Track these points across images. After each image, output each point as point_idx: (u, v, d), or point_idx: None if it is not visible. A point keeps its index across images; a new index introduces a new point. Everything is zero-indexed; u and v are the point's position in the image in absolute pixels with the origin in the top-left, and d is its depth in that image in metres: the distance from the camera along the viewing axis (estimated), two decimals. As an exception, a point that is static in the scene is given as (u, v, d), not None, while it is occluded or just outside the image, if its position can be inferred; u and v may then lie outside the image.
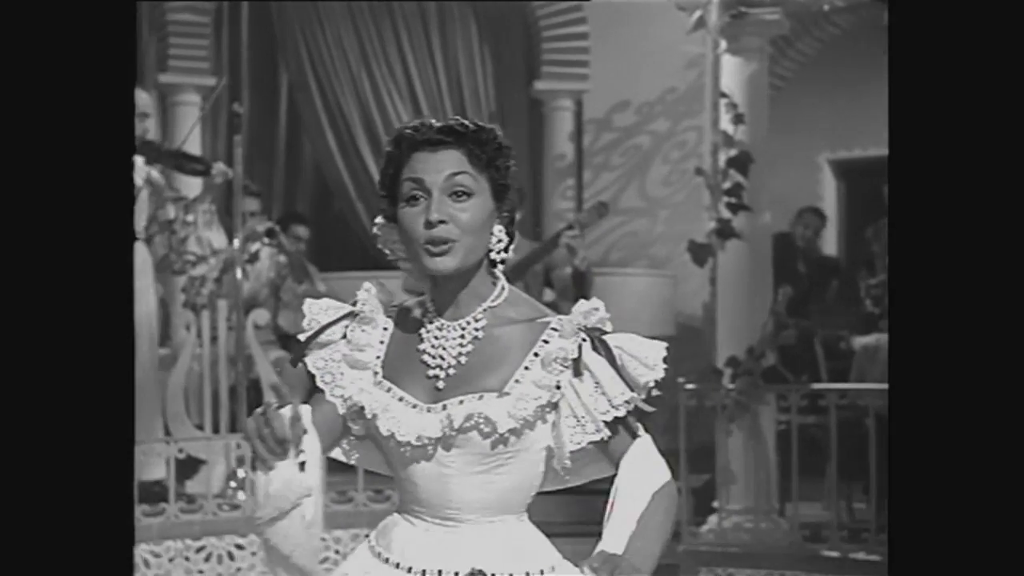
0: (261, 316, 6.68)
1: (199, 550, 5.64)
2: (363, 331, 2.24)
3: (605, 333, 2.19)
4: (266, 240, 7.07)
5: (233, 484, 5.94)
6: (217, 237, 7.31)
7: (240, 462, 5.92)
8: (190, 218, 6.04)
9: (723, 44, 6.45)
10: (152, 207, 5.96)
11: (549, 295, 6.47)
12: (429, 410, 2.17)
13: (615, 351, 2.18)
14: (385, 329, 2.25)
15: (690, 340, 7.56)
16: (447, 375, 2.19)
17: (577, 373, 2.16)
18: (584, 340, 2.18)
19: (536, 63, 8.70)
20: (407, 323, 2.25)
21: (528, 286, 6.12)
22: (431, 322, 2.22)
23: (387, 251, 2.28)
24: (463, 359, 2.19)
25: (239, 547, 5.72)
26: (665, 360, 2.17)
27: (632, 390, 2.16)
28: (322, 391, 2.23)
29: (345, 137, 8.56)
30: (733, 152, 6.37)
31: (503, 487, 2.18)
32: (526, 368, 2.17)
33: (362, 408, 2.20)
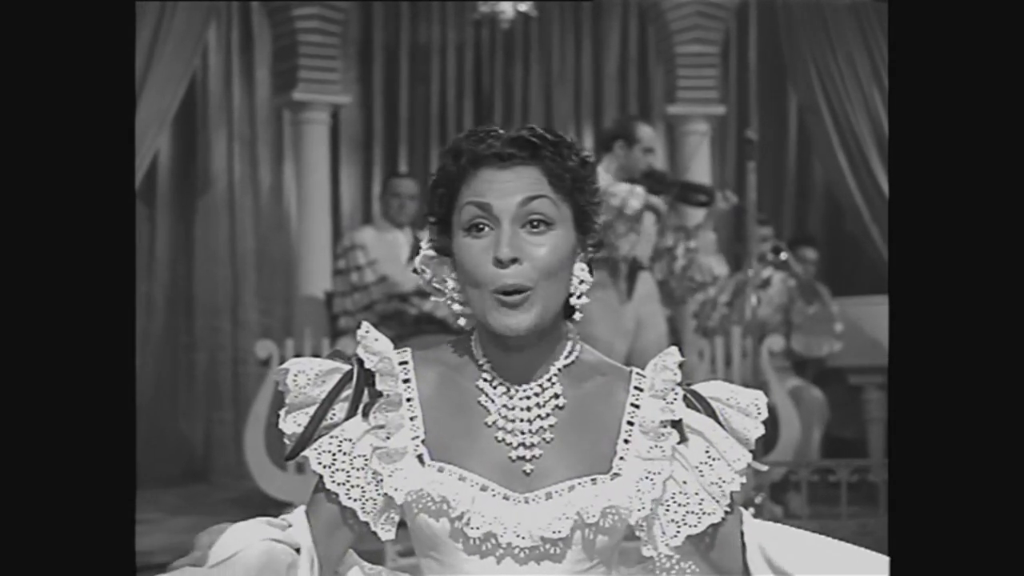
0: (776, 343, 6.65)
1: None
2: (388, 411, 1.74)
3: (690, 383, 1.81)
4: (782, 256, 6.99)
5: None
6: (718, 264, 7.36)
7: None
8: (692, 244, 6.10)
9: None
10: (656, 235, 6.07)
11: None
12: (527, 501, 1.72)
13: (714, 404, 1.80)
14: (408, 400, 1.76)
15: None
16: (534, 456, 1.75)
17: (683, 438, 1.77)
18: (678, 397, 1.78)
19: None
20: (449, 385, 1.78)
21: None
22: (493, 386, 1.77)
23: (432, 292, 1.82)
24: (547, 434, 1.76)
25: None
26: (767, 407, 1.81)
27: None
28: (328, 491, 1.73)
29: (856, 157, 8.37)
30: None
31: None
32: (626, 441, 1.76)
33: (423, 504, 1.70)
